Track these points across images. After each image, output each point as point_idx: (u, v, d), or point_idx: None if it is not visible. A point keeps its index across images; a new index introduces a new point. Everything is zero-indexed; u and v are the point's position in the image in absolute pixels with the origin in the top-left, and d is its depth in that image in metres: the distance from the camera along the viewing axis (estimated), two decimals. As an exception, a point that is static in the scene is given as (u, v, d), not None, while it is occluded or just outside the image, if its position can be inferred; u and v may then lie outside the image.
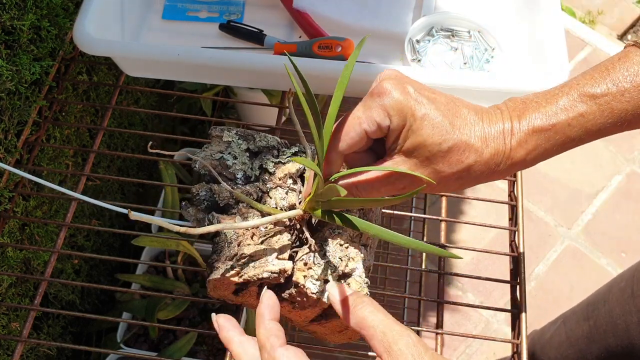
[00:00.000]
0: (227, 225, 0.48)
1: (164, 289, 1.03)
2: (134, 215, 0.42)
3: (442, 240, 0.76)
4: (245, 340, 0.45)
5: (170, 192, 1.05)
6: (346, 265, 0.50)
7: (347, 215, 0.46)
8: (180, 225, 0.45)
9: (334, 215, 0.46)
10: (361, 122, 0.47)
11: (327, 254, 0.50)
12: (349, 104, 0.60)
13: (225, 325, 0.46)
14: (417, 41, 0.81)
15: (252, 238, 0.50)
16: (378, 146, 0.50)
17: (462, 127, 0.46)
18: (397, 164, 0.47)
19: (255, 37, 0.81)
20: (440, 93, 0.48)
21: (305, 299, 0.50)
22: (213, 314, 0.47)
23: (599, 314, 0.89)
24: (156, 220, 0.45)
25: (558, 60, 0.70)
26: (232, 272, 0.49)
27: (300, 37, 0.83)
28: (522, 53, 0.79)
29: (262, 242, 0.50)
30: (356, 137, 0.47)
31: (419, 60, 0.79)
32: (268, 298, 0.45)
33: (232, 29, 0.81)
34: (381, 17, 0.82)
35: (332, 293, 0.47)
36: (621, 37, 1.96)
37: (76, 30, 0.71)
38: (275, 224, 0.51)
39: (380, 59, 0.79)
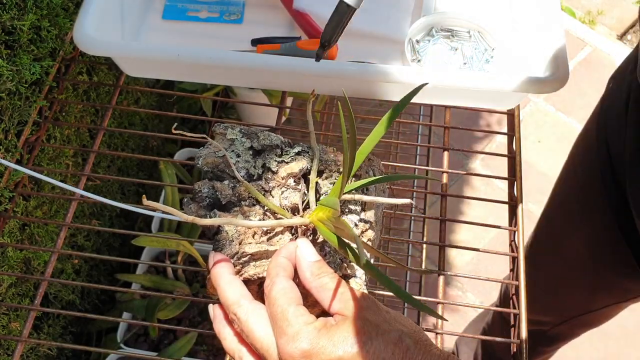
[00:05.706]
0: (233, 220, 0.48)
1: (164, 289, 1.04)
2: (147, 202, 0.44)
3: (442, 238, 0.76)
4: (235, 280, 0.47)
5: (170, 192, 1.05)
6: (347, 267, 0.50)
7: (347, 243, 0.45)
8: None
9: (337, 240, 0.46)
10: None
11: (329, 254, 0.50)
12: (352, 104, 0.60)
13: (220, 261, 0.48)
14: (417, 41, 0.81)
15: (253, 237, 0.50)
16: None
17: None
18: None
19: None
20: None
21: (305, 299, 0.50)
22: (211, 252, 0.49)
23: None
24: (167, 208, 0.46)
25: (558, 61, 0.70)
26: (233, 270, 0.49)
27: (300, 37, 0.83)
28: (522, 53, 0.79)
29: (263, 242, 0.50)
30: None
31: (419, 61, 0.79)
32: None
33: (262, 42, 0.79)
34: (381, 18, 0.82)
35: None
36: (621, 37, 1.96)
37: (76, 30, 0.71)
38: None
39: (380, 59, 0.79)
